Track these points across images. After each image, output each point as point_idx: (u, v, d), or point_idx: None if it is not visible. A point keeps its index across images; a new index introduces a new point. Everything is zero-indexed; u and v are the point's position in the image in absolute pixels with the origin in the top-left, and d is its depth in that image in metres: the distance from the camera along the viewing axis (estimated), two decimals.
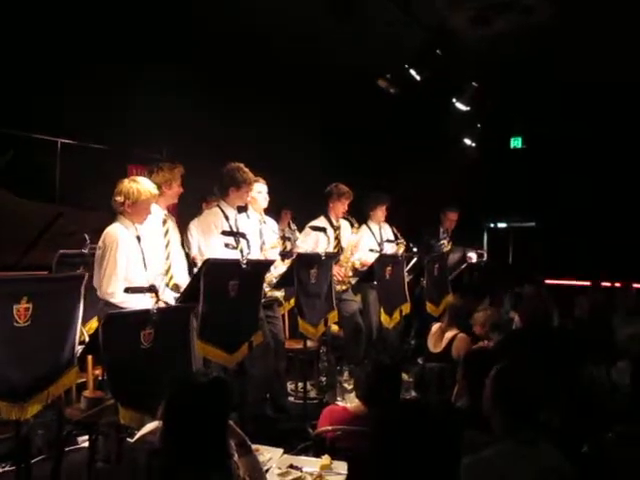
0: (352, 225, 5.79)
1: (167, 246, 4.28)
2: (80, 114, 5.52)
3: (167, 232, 4.30)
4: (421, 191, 7.92)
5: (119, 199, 3.75)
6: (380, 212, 6.21)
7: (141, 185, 3.78)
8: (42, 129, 5.42)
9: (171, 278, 4.22)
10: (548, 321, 4.72)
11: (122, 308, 3.52)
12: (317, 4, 5.80)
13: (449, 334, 4.72)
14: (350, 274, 5.73)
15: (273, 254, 4.91)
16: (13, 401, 2.75)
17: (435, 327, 4.94)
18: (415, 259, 6.02)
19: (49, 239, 4.62)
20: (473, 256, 7.46)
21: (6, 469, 3.66)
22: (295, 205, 7.17)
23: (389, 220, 6.35)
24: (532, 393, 2.21)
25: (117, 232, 3.70)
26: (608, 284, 6.85)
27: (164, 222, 4.31)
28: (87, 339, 3.54)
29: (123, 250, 3.66)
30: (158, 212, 4.28)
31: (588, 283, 7.06)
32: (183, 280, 4.18)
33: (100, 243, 3.68)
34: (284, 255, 5.20)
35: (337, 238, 5.73)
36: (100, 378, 3.74)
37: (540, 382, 2.26)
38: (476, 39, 7.02)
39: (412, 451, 1.71)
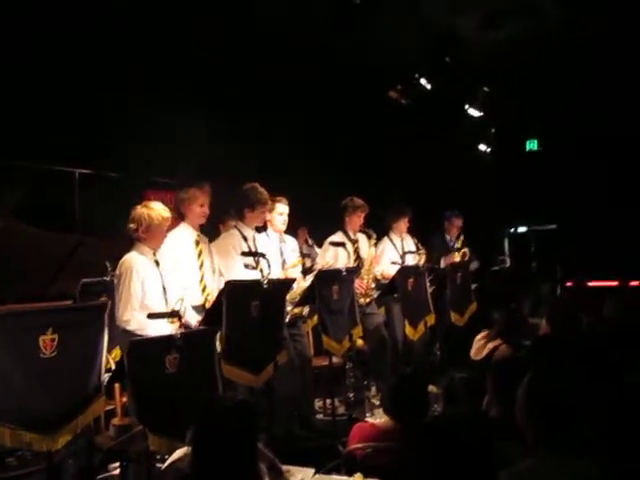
0: (369, 237, 5.77)
1: (201, 267, 4.31)
2: (96, 143, 5.59)
3: (200, 253, 4.33)
4: (439, 200, 7.86)
5: (133, 226, 3.78)
6: (403, 224, 6.18)
7: (153, 210, 3.79)
8: (59, 161, 5.49)
9: (207, 299, 4.26)
10: (577, 325, 4.62)
11: (139, 335, 3.53)
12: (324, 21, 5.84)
13: (491, 344, 4.61)
14: (372, 286, 5.70)
15: (294, 273, 4.90)
16: (43, 432, 2.75)
17: (483, 334, 4.81)
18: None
19: (72, 269, 4.66)
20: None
21: None
22: (310, 222, 7.16)
23: (409, 230, 6.32)
24: (567, 402, 2.16)
25: (132, 260, 3.73)
26: (636, 283, 6.72)
27: (197, 243, 4.34)
28: (113, 367, 3.55)
29: (138, 277, 3.68)
30: (190, 234, 4.32)
31: (615, 283, 6.93)
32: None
33: (117, 271, 3.71)
34: (305, 272, 5.19)
35: (356, 252, 5.72)
36: (128, 405, 3.74)
37: (574, 390, 2.21)
38: (486, 44, 7.01)
39: (445, 468, 1.68)
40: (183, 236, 4.32)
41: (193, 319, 3.95)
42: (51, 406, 2.79)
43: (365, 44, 6.47)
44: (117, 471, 3.74)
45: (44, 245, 4.64)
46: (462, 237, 7.03)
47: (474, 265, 6.88)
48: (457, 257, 6.75)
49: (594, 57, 7.18)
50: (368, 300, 5.63)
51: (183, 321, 3.31)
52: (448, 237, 7.03)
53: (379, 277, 5.79)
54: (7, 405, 2.64)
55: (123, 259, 3.74)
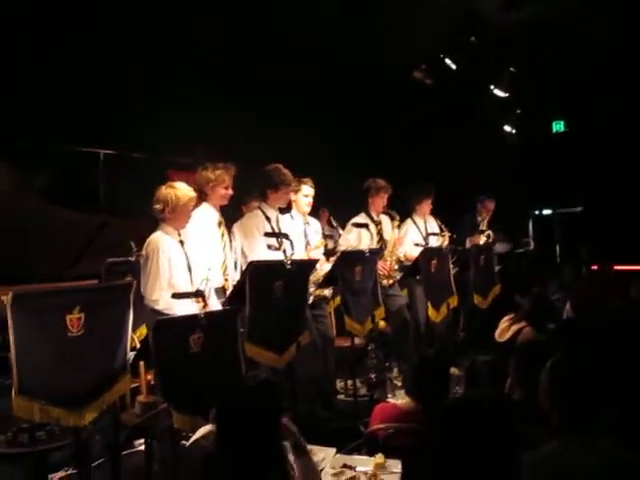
0: (392, 219, 5.74)
1: (224, 248, 4.33)
2: (120, 124, 5.63)
3: (223, 235, 4.35)
4: (463, 182, 7.79)
5: (158, 207, 3.80)
6: (426, 206, 6.12)
7: (178, 190, 3.81)
8: (84, 142, 5.54)
9: (226, 281, 4.28)
10: (602, 308, 4.57)
11: (167, 314, 3.57)
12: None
13: (516, 327, 4.58)
14: (395, 267, 5.68)
15: (317, 254, 4.90)
16: (70, 409, 2.81)
17: (509, 316, 4.78)
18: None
19: (97, 248, 4.72)
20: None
21: (69, 472, 3.76)
22: (333, 204, 7.14)
23: (433, 212, 6.27)
24: (591, 384, 2.14)
25: (159, 240, 3.75)
26: None
27: (219, 224, 4.35)
28: (138, 345, 3.61)
29: (165, 257, 3.71)
30: (213, 214, 4.32)
31: None
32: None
33: (143, 251, 3.74)
34: (328, 254, 5.19)
35: (379, 233, 5.70)
36: (152, 383, 3.80)
37: (599, 372, 2.19)
38: (509, 23, 6.87)
39: (466, 449, 1.68)
40: (207, 216, 4.32)
41: (216, 307, 3.95)
42: (78, 383, 2.85)
43: (386, 27, 6.39)
44: (142, 447, 3.82)
45: (70, 225, 4.71)
46: (487, 219, 6.98)
47: (505, 247, 6.82)
48: (482, 239, 6.70)
49: (620, 36, 6.99)
50: (391, 282, 5.62)
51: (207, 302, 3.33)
52: (479, 219, 7.00)
53: (402, 259, 5.77)
54: (36, 381, 2.70)
55: (149, 239, 3.77)
